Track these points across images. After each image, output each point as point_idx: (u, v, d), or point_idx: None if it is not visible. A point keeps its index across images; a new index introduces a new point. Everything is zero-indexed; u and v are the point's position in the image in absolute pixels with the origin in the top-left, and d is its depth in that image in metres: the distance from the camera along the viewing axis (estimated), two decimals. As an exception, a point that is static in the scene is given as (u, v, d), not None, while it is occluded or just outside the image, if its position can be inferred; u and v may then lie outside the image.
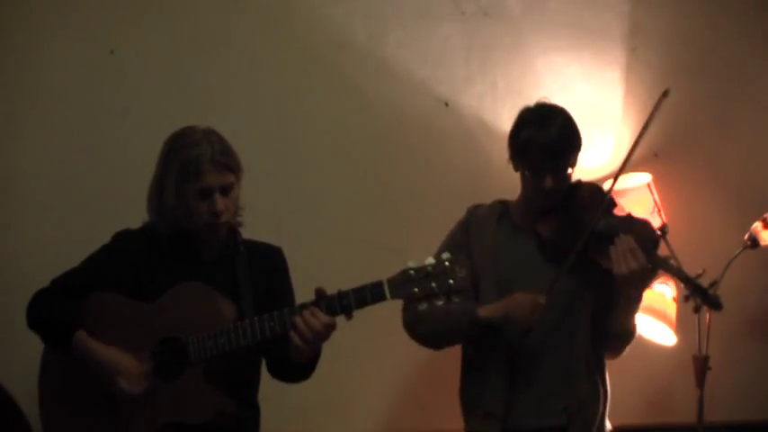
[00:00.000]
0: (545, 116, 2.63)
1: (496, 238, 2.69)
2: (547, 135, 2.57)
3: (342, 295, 2.28)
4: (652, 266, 2.52)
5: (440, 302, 2.19)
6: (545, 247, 2.64)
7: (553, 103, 2.70)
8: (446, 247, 2.69)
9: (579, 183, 2.70)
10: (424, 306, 2.20)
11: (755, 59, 3.79)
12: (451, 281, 2.18)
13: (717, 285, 2.51)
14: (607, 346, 2.69)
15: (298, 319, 2.29)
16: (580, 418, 2.61)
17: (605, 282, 2.57)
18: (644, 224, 2.63)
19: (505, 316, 2.56)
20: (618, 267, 2.49)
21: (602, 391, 2.68)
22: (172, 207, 2.43)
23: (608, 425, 2.73)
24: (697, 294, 2.55)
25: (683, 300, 2.60)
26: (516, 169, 2.69)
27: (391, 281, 2.24)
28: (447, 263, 2.20)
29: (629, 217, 2.65)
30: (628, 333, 2.66)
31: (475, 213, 2.77)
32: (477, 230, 2.72)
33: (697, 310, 2.59)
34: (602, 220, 2.57)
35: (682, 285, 2.59)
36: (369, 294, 2.26)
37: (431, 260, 2.21)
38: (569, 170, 2.64)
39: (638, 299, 2.62)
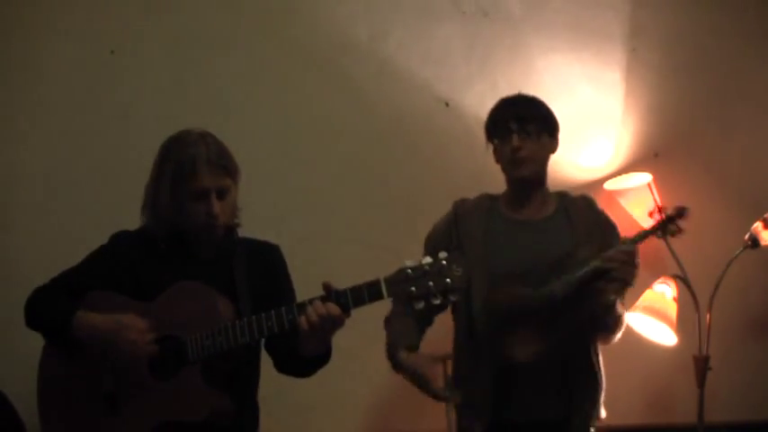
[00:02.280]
0: (517, 97, 2.71)
1: (488, 229, 2.69)
2: (514, 102, 2.67)
3: (339, 294, 2.27)
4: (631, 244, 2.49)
5: (437, 302, 2.18)
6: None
7: None
8: (432, 243, 2.70)
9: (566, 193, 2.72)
10: (420, 305, 2.20)
11: (755, 59, 3.79)
12: (448, 280, 2.17)
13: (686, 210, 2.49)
14: (596, 325, 2.62)
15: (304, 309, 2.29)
16: (578, 409, 2.59)
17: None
18: (612, 235, 2.62)
19: (413, 378, 2.57)
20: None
21: (599, 379, 2.65)
22: (167, 208, 2.43)
23: (603, 412, 2.68)
24: (665, 225, 2.52)
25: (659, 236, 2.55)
26: (498, 160, 2.70)
27: (388, 279, 2.23)
28: (444, 262, 2.19)
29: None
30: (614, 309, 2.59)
31: (462, 207, 2.77)
32: (466, 224, 2.71)
33: (677, 233, 2.53)
34: (592, 265, 2.50)
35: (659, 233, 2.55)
36: (366, 293, 2.25)
37: (428, 259, 2.20)
38: (543, 143, 2.64)
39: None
